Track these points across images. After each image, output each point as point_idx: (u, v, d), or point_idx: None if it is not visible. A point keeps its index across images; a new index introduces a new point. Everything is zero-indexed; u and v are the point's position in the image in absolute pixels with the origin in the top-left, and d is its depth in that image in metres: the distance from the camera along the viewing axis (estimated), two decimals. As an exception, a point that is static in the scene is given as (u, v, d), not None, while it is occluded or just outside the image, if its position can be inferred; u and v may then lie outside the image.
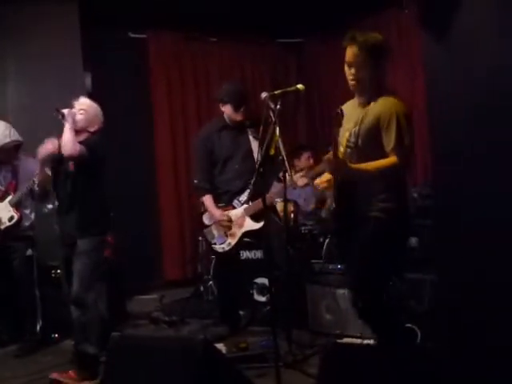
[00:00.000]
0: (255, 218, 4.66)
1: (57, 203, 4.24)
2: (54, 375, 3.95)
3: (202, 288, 6.07)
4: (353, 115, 3.29)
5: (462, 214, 3.39)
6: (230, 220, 4.74)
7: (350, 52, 3.26)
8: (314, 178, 3.81)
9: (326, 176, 3.46)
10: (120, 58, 6.94)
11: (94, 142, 4.07)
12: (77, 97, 4.28)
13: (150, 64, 7.28)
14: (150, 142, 7.28)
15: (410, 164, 3.26)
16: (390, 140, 3.14)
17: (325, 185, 3.47)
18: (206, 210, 4.88)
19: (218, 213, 4.76)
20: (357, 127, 3.25)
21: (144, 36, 7.25)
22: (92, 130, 4.13)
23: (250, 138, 4.77)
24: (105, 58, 6.73)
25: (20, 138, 5.02)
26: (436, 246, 3.79)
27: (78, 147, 3.91)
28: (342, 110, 3.16)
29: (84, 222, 4.04)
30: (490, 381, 3.13)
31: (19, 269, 4.90)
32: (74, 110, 4.04)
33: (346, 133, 3.27)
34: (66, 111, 3.96)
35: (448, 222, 3.54)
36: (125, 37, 7.14)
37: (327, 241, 5.19)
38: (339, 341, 4.31)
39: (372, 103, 3.26)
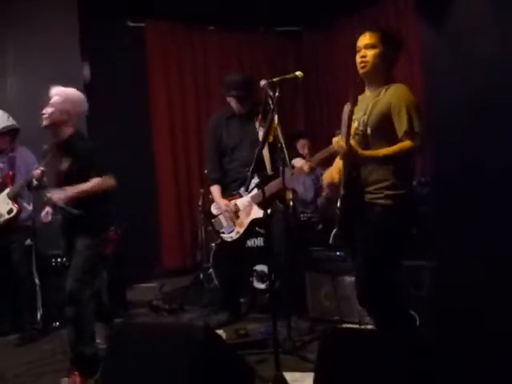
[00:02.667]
0: (262, 205, 4.67)
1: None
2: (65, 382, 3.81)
3: (201, 276, 6.09)
4: (362, 105, 3.28)
5: (462, 201, 3.41)
6: (237, 209, 4.77)
7: (364, 37, 3.28)
8: (318, 163, 3.81)
9: (333, 171, 3.48)
10: (118, 48, 6.93)
11: (98, 156, 3.99)
12: (74, 87, 4.25)
13: (148, 53, 7.28)
14: (149, 131, 7.29)
15: (423, 150, 3.20)
16: (402, 125, 3.13)
17: (329, 180, 3.50)
18: (213, 200, 4.91)
19: (222, 203, 4.79)
20: (365, 116, 3.25)
21: (142, 25, 7.26)
22: (66, 118, 3.96)
23: (257, 126, 4.77)
24: (103, 48, 6.71)
25: (16, 124, 5.01)
26: (435, 233, 3.81)
27: (110, 181, 3.92)
28: (356, 98, 3.18)
29: (84, 218, 3.91)
30: (489, 367, 3.16)
31: (18, 259, 4.92)
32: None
33: (354, 122, 3.25)
34: (54, 199, 3.90)
35: (447, 209, 3.55)
36: (123, 26, 7.14)
37: (334, 230, 5.18)
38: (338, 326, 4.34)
39: (383, 91, 3.26)
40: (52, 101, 3.99)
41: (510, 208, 3.17)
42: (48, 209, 4.24)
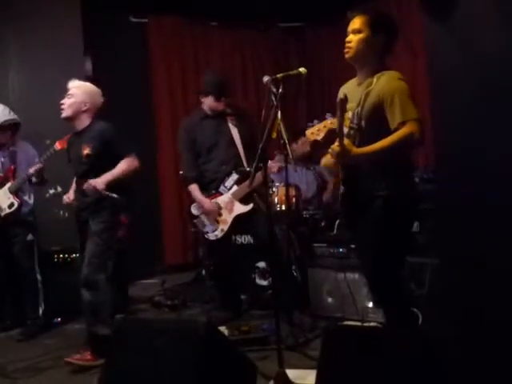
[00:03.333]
0: (244, 201, 4.70)
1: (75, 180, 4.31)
2: (69, 358, 3.96)
3: (203, 272, 6.08)
4: (354, 95, 3.19)
5: (463, 197, 3.39)
6: (219, 207, 4.77)
7: (356, 21, 3.17)
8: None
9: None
10: (121, 43, 6.92)
11: (116, 136, 4.18)
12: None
13: (150, 49, 7.27)
14: (151, 126, 7.29)
15: (422, 139, 3.02)
16: (395, 117, 3.01)
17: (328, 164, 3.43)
18: (193, 201, 4.90)
19: (207, 202, 4.79)
20: (359, 108, 3.15)
21: (145, 21, 7.24)
22: (85, 108, 4.14)
23: (230, 125, 4.84)
24: (106, 43, 6.69)
25: (17, 118, 5.01)
26: (437, 229, 3.80)
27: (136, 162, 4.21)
28: (345, 96, 3.08)
29: (97, 201, 4.06)
30: (490, 363, 3.15)
31: (20, 254, 4.92)
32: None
33: (348, 112, 3.16)
34: (90, 186, 4.02)
35: (449, 206, 3.54)
36: (126, 21, 7.13)
37: (337, 222, 5.18)
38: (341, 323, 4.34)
39: (374, 80, 3.13)
40: (70, 92, 4.15)
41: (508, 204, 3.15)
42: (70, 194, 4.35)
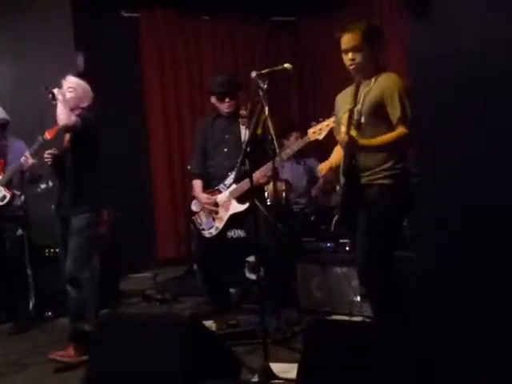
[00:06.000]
0: (241, 199, 4.71)
1: (58, 179, 4.30)
2: (53, 355, 3.97)
3: (195, 266, 6.10)
4: (354, 95, 3.39)
5: (448, 192, 3.44)
6: (216, 205, 4.79)
7: (346, 39, 3.38)
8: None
9: (332, 162, 3.59)
10: (112, 37, 6.92)
11: (87, 115, 4.14)
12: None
13: (142, 43, 7.27)
14: (143, 121, 7.30)
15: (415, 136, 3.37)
16: (396, 111, 3.28)
17: (325, 171, 3.60)
18: (194, 197, 4.94)
19: (203, 196, 4.82)
20: (359, 105, 3.35)
21: (136, 15, 7.24)
22: (83, 105, 4.18)
23: (241, 126, 4.84)
24: (97, 38, 6.71)
25: (7, 117, 5.03)
26: (422, 224, 3.84)
27: (73, 118, 4.00)
28: (359, 84, 3.33)
29: (77, 196, 4.07)
30: (476, 358, 3.18)
31: (10, 249, 4.95)
32: (63, 89, 4.07)
33: (347, 113, 3.35)
34: (55, 90, 3.99)
35: (434, 200, 3.58)
36: (117, 16, 7.12)
37: (335, 218, 5.19)
38: (328, 317, 4.37)
39: (373, 80, 3.38)
40: (73, 86, 4.17)
41: (490, 199, 3.19)
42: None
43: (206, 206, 4.80)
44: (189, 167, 5.17)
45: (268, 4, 7.31)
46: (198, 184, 4.91)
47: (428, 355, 2.54)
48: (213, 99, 4.88)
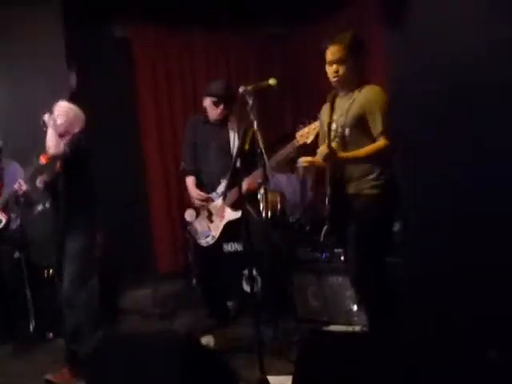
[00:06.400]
0: (235, 207, 4.70)
1: (50, 204, 4.38)
2: (49, 376, 4.00)
3: (194, 281, 6.10)
4: (338, 108, 3.48)
5: (432, 199, 3.50)
6: (210, 213, 4.80)
7: (332, 50, 3.44)
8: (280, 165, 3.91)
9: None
10: (105, 54, 6.92)
11: (78, 139, 4.16)
12: (61, 97, 4.34)
13: (135, 59, 7.28)
14: (137, 138, 7.29)
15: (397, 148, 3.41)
16: (377, 125, 3.33)
17: (306, 164, 3.59)
18: (188, 206, 4.95)
19: (195, 192, 4.85)
20: (343, 117, 3.42)
21: (128, 34, 7.25)
22: (74, 131, 4.19)
23: (230, 131, 4.85)
24: (89, 55, 6.71)
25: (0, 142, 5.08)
26: (407, 230, 3.90)
27: (62, 146, 4.01)
28: (334, 96, 3.42)
29: (70, 221, 4.10)
30: (466, 363, 3.19)
31: (8, 271, 4.98)
32: (53, 115, 4.10)
33: (332, 125, 3.44)
34: (46, 117, 4.03)
35: (421, 207, 3.63)
36: (109, 33, 7.14)
37: (325, 228, 5.21)
38: (325, 328, 4.39)
39: (356, 92, 3.44)
40: (64, 111, 4.17)
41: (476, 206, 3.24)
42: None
43: (197, 201, 4.81)
44: (182, 163, 5.12)
45: (260, 17, 7.33)
46: (191, 180, 4.93)
47: (421, 365, 2.57)
48: (207, 101, 4.86)
